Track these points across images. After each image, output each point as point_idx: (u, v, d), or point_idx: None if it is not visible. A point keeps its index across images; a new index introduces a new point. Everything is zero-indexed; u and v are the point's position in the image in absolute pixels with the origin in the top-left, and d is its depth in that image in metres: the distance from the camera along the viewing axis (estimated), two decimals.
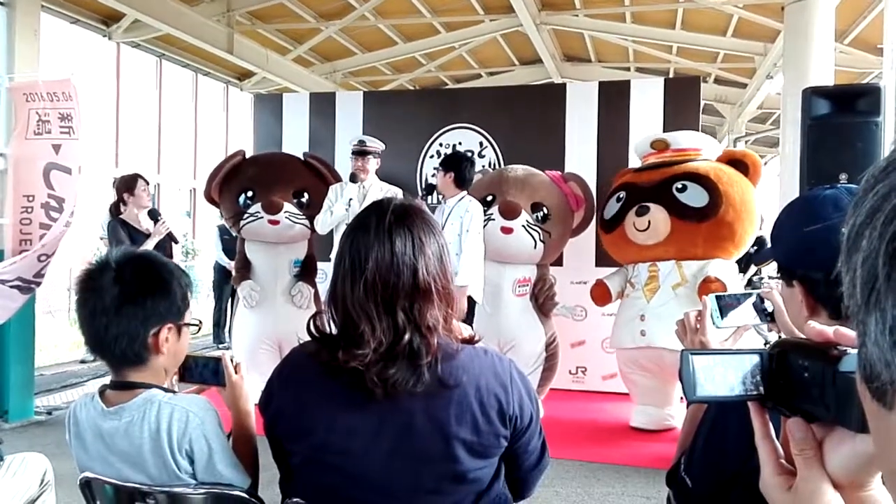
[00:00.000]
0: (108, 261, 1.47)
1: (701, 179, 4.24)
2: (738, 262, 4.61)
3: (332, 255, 5.08)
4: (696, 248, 4.26)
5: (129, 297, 1.45)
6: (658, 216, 4.22)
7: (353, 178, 4.68)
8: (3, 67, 4.77)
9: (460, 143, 6.04)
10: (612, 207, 4.53)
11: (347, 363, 1.23)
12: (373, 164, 4.76)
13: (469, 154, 5.58)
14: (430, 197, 5.10)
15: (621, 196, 4.49)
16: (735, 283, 4.19)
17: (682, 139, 4.53)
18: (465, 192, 4.49)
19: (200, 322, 1.63)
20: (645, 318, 4.28)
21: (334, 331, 1.32)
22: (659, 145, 4.51)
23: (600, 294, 4.57)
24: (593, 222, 5.27)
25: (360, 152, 4.70)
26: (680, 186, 4.26)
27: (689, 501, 1.23)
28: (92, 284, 1.46)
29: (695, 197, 4.20)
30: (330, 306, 1.31)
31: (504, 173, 5.08)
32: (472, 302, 4.50)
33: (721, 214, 4.16)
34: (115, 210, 4.88)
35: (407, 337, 1.23)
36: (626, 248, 4.46)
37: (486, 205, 4.72)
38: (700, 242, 4.24)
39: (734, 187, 4.23)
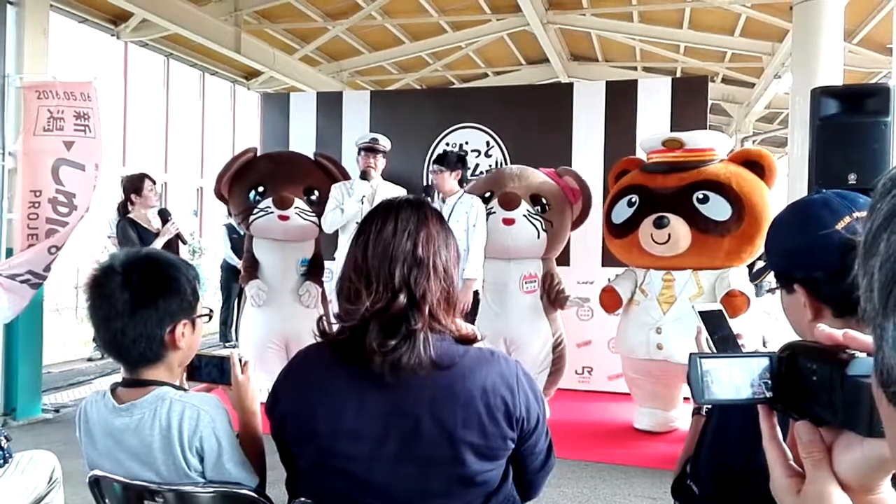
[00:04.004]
0: (114, 264, 1.48)
1: (723, 189, 4.05)
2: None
3: (338, 255, 5.06)
4: (716, 261, 4.12)
5: (142, 300, 1.46)
6: (679, 229, 4.03)
7: (364, 176, 4.68)
8: (13, 66, 4.79)
9: (467, 143, 6.04)
10: (624, 211, 4.32)
11: (343, 320, 1.28)
12: (381, 163, 4.77)
13: (464, 153, 5.67)
14: (430, 198, 5.11)
15: (633, 200, 4.28)
16: (751, 291, 4.06)
17: (698, 139, 4.33)
18: (462, 190, 4.62)
19: (211, 311, 1.65)
20: (661, 331, 4.15)
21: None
22: (672, 144, 4.29)
23: (612, 303, 4.40)
24: (598, 219, 5.27)
25: (372, 149, 4.70)
26: (701, 197, 4.06)
27: None
28: (101, 290, 1.47)
29: (717, 209, 4.02)
30: (338, 286, 1.36)
31: (500, 171, 5.17)
32: (476, 298, 4.51)
33: (744, 228, 4.00)
34: (122, 210, 4.89)
35: (402, 299, 1.26)
36: (639, 255, 4.29)
37: (485, 201, 4.74)
38: (721, 256, 4.09)
39: (755, 197, 4.05)
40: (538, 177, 4.92)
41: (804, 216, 1.16)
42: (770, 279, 1.26)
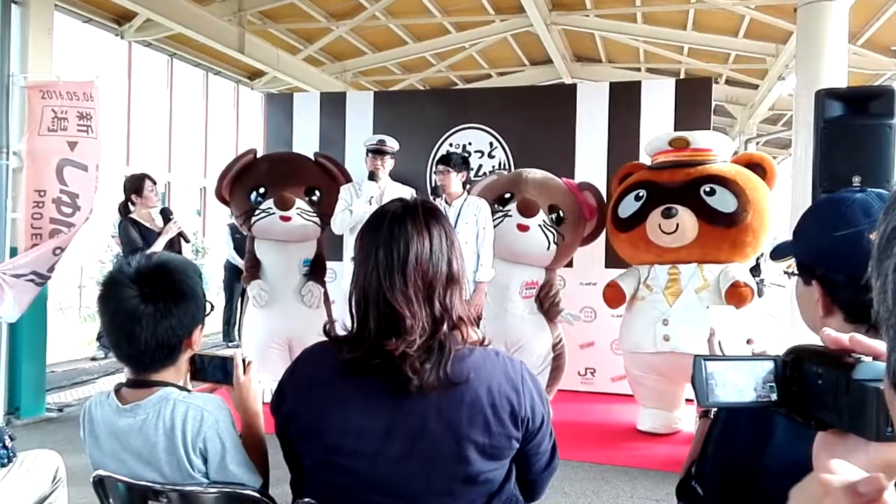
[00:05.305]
0: (128, 276, 1.48)
1: (728, 184, 4.19)
2: None
3: (346, 255, 5.05)
4: (720, 253, 4.19)
5: (166, 314, 1.48)
6: (686, 219, 4.14)
7: (372, 177, 4.70)
8: (17, 66, 4.80)
9: (470, 143, 6.04)
10: (631, 206, 4.40)
11: (394, 351, 1.24)
12: (389, 163, 4.79)
13: (468, 154, 5.69)
14: (438, 199, 5.11)
15: (641, 195, 4.36)
16: (754, 283, 4.14)
17: (700, 138, 4.45)
18: (467, 192, 4.65)
19: (213, 304, 1.66)
20: (668, 322, 4.19)
21: (348, 326, 1.33)
22: (679, 143, 4.39)
23: (615, 296, 4.45)
24: (602, 221, 5.27)
25: (380, 151, 4.72)
26: (708, 189, 4.18)
27: None
28: (123, 305, 1.47)
29: (724, 201, 4.15)
30: (358, 299, 1.31)
31: (523, 174, 5.10)
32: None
33: (748, 220, 4.13)
34: (123, 210, 4.91)
35: (445, 327, 1.27)
36: (645, 249, 4.35)
37: (504, 202, 4.74)
38: (726, 247, 4.18)
39: (758, 193, 4.20)
40: (560, 188, 4.91)
41: (838, 215, 1.11)
42: (783, 265, 1.24)
